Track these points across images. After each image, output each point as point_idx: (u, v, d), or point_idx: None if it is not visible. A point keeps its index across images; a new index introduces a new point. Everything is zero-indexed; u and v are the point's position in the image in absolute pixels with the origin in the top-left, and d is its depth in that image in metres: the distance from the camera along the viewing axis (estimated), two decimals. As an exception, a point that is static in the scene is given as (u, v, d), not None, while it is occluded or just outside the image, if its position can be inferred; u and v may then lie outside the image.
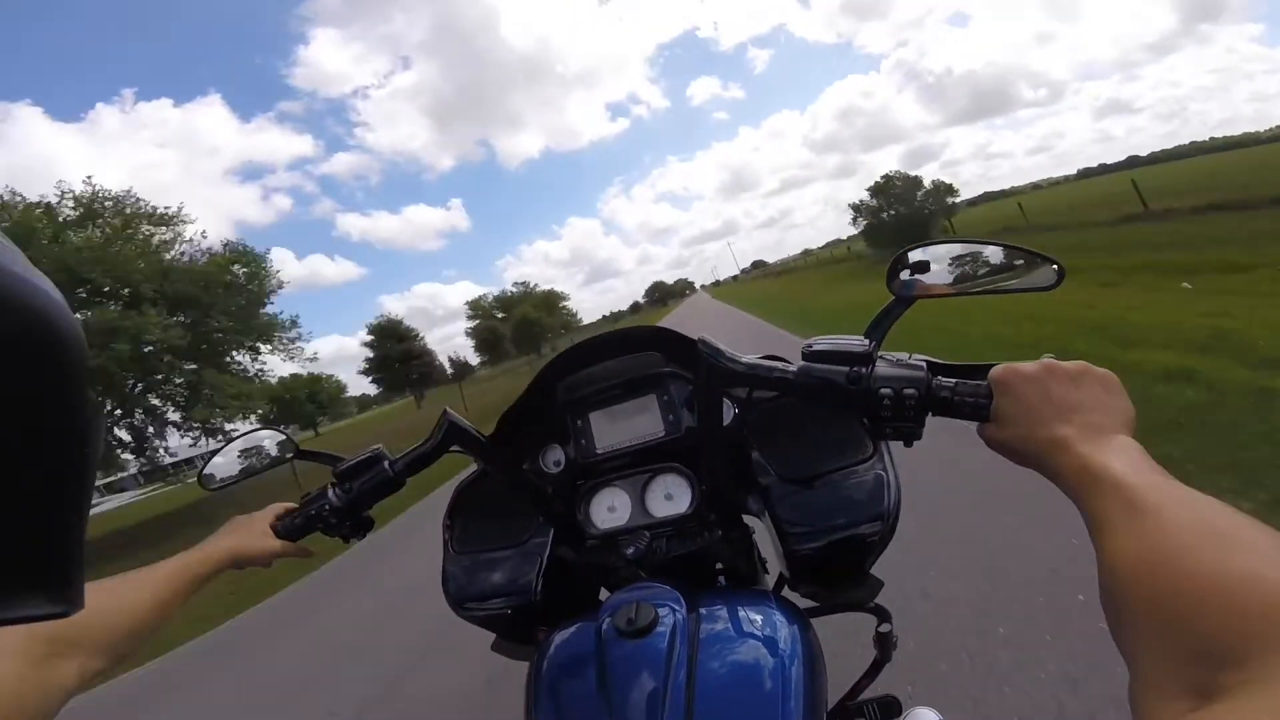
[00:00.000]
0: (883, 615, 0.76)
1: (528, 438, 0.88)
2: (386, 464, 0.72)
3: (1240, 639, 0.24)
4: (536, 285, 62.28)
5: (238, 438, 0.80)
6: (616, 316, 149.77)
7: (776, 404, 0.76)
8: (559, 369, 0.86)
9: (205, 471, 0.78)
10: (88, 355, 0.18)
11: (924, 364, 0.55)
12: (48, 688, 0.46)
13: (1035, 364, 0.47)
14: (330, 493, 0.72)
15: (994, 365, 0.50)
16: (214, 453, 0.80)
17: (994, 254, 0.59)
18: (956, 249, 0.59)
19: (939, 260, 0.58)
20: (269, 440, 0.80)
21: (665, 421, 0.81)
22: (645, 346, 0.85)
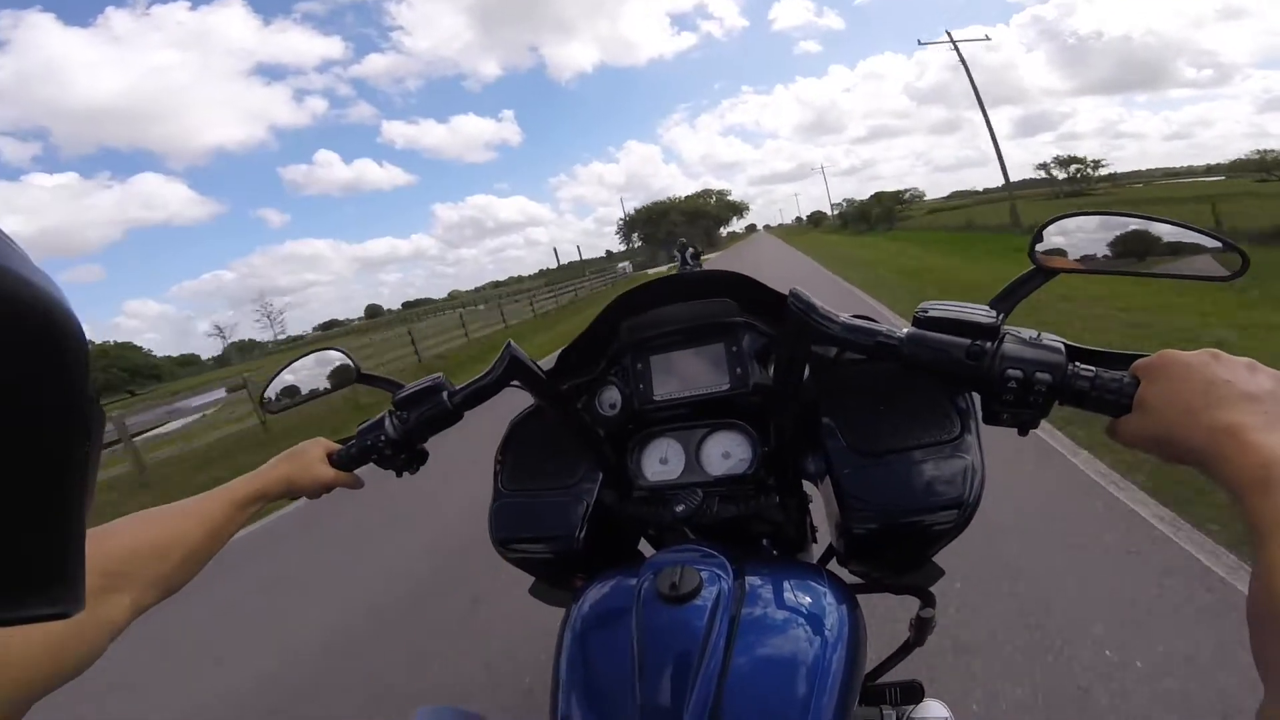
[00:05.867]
0: (928, 600, 0.72)
1: (587, 376, 0.85)
2: (445, 395, 0.71)
3: None
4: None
5: (298, 359, 0.80)
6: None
7: (857, 367, 0.69)
8: (626, 307, 0.81)
9: (266, 393, 0.78)
10: (88, 352, 0.18)
11: (1062, 346, 0.48)
12: (99, 622, 0.45)
13: (1198, 351, 0.42)
14: (387, 422, 0.72)
15: (1139, 354, 0.46)
16: (274, 374, 0.79)
17: (1161, 232, 0.50)
18: (1116, 222, 0.51)
19: (1092, 232, 0.51)
20: (331, 362, 0.80)
21: (732, 374, 0.76)
22: (720, 292, 0.78)
